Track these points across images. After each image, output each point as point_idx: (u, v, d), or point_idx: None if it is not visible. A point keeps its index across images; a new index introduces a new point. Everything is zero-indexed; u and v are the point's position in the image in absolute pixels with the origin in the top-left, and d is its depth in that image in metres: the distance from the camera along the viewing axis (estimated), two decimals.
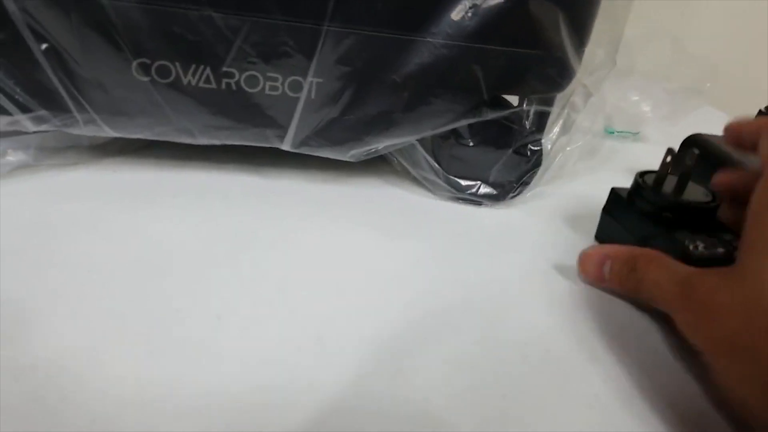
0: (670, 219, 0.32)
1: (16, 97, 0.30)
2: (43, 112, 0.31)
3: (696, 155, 0.33)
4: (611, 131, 0.59)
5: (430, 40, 0.32)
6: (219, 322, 0.25)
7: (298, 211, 0.35)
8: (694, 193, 0.34)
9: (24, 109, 0.31)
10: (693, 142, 0.44)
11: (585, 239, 0.37)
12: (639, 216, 0.33)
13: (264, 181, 0.38)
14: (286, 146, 0.35)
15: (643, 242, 0.33)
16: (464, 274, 0.32)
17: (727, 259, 0.30)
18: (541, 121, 0.38)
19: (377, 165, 0.42)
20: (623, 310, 0.31)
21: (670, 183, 0.34)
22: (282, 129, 0.34)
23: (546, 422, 0.23)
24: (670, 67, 0.61)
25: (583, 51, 0.36)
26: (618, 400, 0.25)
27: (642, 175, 0.34)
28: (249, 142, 0.35)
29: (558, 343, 0.27)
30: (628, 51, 0.52)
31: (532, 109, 0.37)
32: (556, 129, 0.38)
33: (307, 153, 0.35)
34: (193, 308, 0.26)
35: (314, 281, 0.29)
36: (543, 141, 0.38)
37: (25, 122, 0.31)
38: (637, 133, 0.60)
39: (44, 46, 0.29)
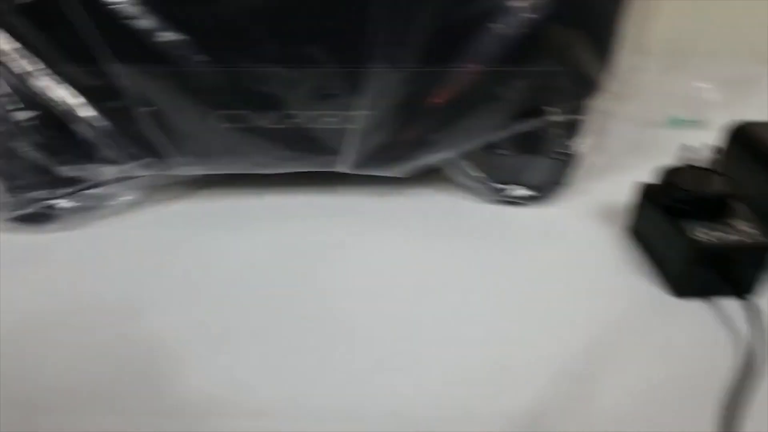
0: (688, 211, 0.35)
1: (126, 149, 0.37)
2: (147, 160, 0.38)
3: (718, 149, 0.36)
4: (676, 121, 0.60)
5: (457, 68, 0.36)
6: (312, 322, 0.31)
7: (360, 223, 0.41)
8: (718, 184, 0.37)
9: (132, 158, 0.38)
10: (741, 130, 0.46)
11: (617, 232, 0.41)
12: (661, 209, 0.37)
13: (331, 198, 0.45)
14: (345, 169, 0.40)
15: (661, 235, 0.36)
16: (503, 268, 0.37)
17: (741, 248, 0.33)
18: (573, 128, 0.41)
19: (430, 176, 0.47)
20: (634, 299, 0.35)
21: (697, 176, 0.37)
22: (340, 156, 0.39)
23: None
24: (730, 51, 0.62)
25: (608, 63, 0.40)
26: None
27: (666, 170, 0.38)
28: (314, 168, 0.41)
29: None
30: (688, 37, 0.55)
31: (563, 118, 0.40)
32: (589, 133, 0.42)
33: (363, 173, 0.41)
34: (286, 312, 0.32)
35: (376, 284, 0.35)
36: (577, 144, 0.42)
37: (134, 169, 0.38)
38: (701, 121, 0.60)
39: (147, 109, 0.36)
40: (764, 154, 0.41)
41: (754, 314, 0.32)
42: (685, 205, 0.36)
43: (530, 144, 0.41)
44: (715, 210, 0.36)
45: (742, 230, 0.35)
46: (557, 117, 0.40)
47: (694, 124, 0.57)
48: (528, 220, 0.42)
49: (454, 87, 0.37)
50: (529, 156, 0.42)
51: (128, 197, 0.40)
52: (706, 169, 0.37)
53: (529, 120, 0.40)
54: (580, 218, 0.43)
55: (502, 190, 0.43)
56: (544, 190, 0.43)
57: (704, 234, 0.34)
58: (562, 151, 0.42)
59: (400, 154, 0.40)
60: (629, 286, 0.36)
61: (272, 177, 0.43)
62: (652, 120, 0.56)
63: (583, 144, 0.43)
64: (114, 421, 0.26)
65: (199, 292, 0.34)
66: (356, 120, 0.38)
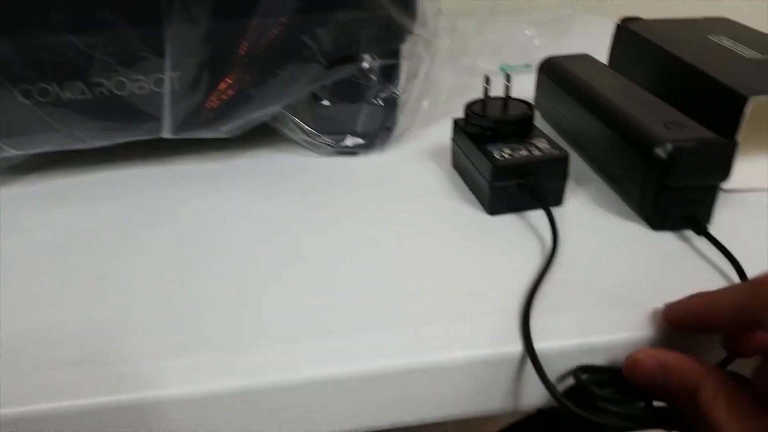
0: (492, 135, 0.38)
1: None
2: None
3: (509, 76, 0.39)
4: (506, 68, 0.64)
5: (258, 19, 0.37)
6: (150, 275, 0.32)
7: (197, 186, 0.41)
8: (515, 109, 0.39)
9: None
10: (546, 64, 0.50)
11: (444, 168, 0.43)
12: (470, 139, 0.39)
13: (165, 167, 0.44)
14: (166, 135, 0.40)
15: (473, 162, 0.38)
16: (341, 210, 0.38)
17: (536, 162, 0.36)
18: (388, 73, 0.43)
19: (269, 136, 0.48)
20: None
21: (497, 104, 0.40)
22: (158, 121, 0.39)
23: None
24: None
25: (413, 8, 0.41)
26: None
27: (470, 104, 0.40)
28: (134, 138, 0.40)
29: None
30: None
31: (376, 64, 0.42)
32: (403, 77, 0.44)
33: (187, 137, 0.41)
34: (117, 275, 0.32)
35: (213, 237, 0.35)
36: (397, 90, 0.44)
37: None
38: (530, 66, 0.65)
39: None
40: (561, 79, 0.44)
41: (552, 221, 0.35)
42: (488, 131, 0.38)
43: (350, 92, 0.42)
44: (516, 132, 0.38)
45: (541, 147, 0.37)
46: (370, 63, 0.42)
47: (524, 68, 0.60)
48: (362, 166, 0.44)
49: (259, 39, 0.38)
50: (352, 104, 0.43)
51: None
52: (506, 98, 0.40)
53: (342, 68, 0.41)
54: (410, 160, 0.44)
55: (333, 141, 0.44)
56: (373, 137, 0.45)
57: (505, 154, 0.36)
58: (382, 96, 0.43)
59: (218, 113, 0.40)
60: (452, 211, 0.38)
61: (102, 153, 0.43)
62: (487, 69, 0.59)
63: (403, 89, 0.45)
64: None
65: (27, 265, 0.33)
66: (165, 82, 0.38)
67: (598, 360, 0.28)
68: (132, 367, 0.26)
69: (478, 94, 0.41)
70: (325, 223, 0.37)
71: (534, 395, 0.28)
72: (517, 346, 0.27)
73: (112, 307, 0.30)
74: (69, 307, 0.30)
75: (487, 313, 0.29)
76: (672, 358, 0.26)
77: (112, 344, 0.27)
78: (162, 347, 0.27)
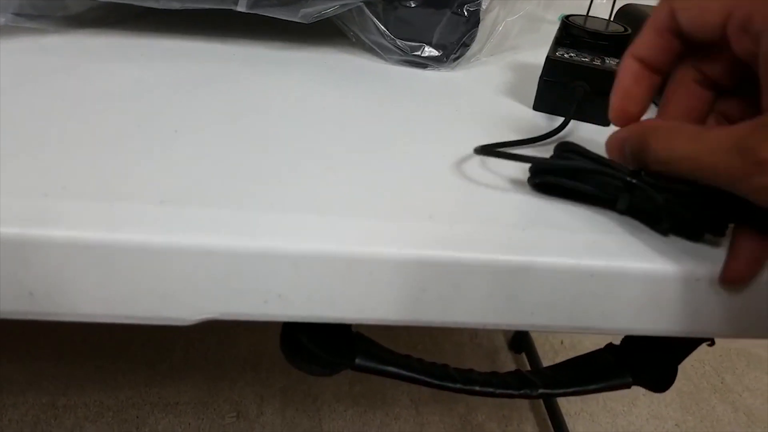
0: (570, 43, 0.38)
1: None
2: None
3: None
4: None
5: None
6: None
7: (260, 65, 0.40)
8: (601, 26, 0.39)
9: None
10: (623, 10, 0.48)
11: (514, 101, 0.40)
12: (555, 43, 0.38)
13: (230, 46, 0.42)
14: (241, 7, 0.38)
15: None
16: (399, 120, 0.36)
17: (582, 67, 0.36)
18: None
19: (333, 36, 0.46)
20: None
21: (594, 21, 0.40)
22: None
23: None
24: None
25: None
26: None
27: (570, 15, 0.39)
28: (207, 5, 0.38)
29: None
30: None
31: None
32: None
33: (260, 13, 0.39)
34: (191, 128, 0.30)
35: (281, 120, 0.33)
36: (482, 2, 0.42)
37: None
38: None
39: None
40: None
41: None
42: (569, 39, 0.38)
43: None
44: (596, 46, 0.38)
45: (607, 62, 0.36)
46: None
47: None
48: (431, 79, 0.42)
49: None
50: (436, 10, 0.41)
51: None
52: (606, 19, 0.39)
53: None
54: (481, 85, 0.42)
55: (406, 48, 0.42)
56: (449, 50, 0.43)
57: (567, 55, 0.36)
58: (467, 8, 0.41)
59: None
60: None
61: (161, 24, 0.40)
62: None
63: (487, 7, 0.43)
64: None
65: (97, 106, 0.32)
66: None
67: None
68: (227, 213, 0.25)
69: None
70: (386, 122, 0.35)
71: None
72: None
73: (187, 156, 0.28)
74: (147, 151, 0.28)
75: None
76: (628, 128, 0.26)
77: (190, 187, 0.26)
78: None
